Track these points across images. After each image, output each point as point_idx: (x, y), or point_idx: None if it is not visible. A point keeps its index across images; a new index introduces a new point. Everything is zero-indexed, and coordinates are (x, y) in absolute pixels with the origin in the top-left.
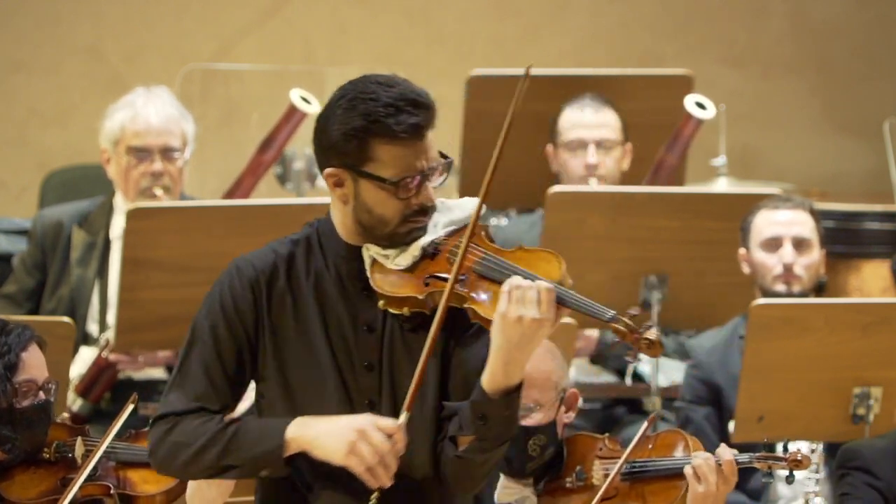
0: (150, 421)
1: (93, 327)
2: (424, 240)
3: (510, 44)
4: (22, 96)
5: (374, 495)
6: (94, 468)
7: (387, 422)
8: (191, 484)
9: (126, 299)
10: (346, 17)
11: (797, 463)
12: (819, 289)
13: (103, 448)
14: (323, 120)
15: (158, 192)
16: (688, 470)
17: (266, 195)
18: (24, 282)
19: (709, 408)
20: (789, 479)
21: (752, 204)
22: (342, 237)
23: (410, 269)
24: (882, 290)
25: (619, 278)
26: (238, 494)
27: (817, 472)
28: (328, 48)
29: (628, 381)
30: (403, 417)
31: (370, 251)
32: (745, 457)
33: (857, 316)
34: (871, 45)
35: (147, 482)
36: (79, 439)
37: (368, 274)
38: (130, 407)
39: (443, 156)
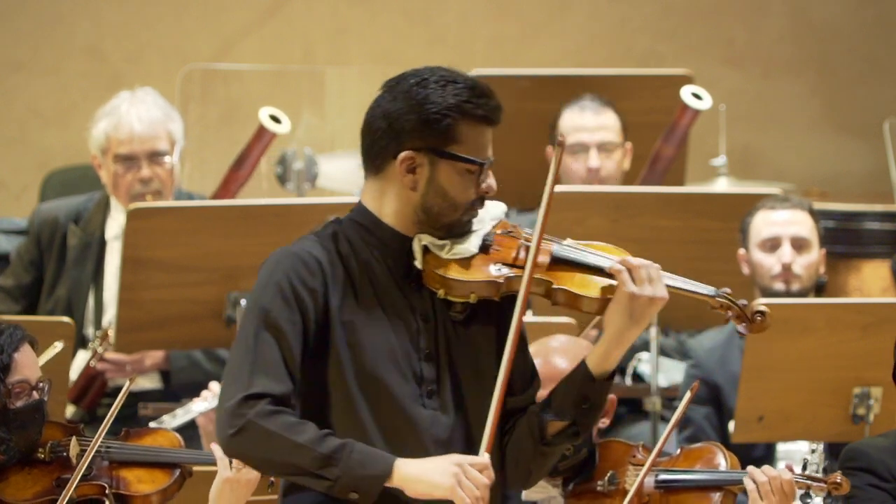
0: (235, 402)
1: (89, 330)
2: (483, 230)
3: (510, 44)
4: (22, 96)
5: None
6: (89, 468)
7: (474, 459)
8: (214, 485)
9: (126, 299)
10: (346, 17)
11: (837, 486)
12: (819, 289)
13: (97, 443)
14: (391, 107)
15: (150, 197)
16: (749, 484)
17: (266, 195)
18: (21, 277)
19: (709, 407)
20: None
21: (752, 204)
22: (393, 227)
23: (470, 259)
24: (882, 290)
25: None
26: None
27: (817, 472)
28: (328, 48)
29: (628, 381)
30: (486, 456)
31: (423, 241)
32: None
33: (857, 316)
34: (871, 45)
35: (142, 482)
36: (73, 439)
37: (419, 264)
38: (127, 387)
39: None
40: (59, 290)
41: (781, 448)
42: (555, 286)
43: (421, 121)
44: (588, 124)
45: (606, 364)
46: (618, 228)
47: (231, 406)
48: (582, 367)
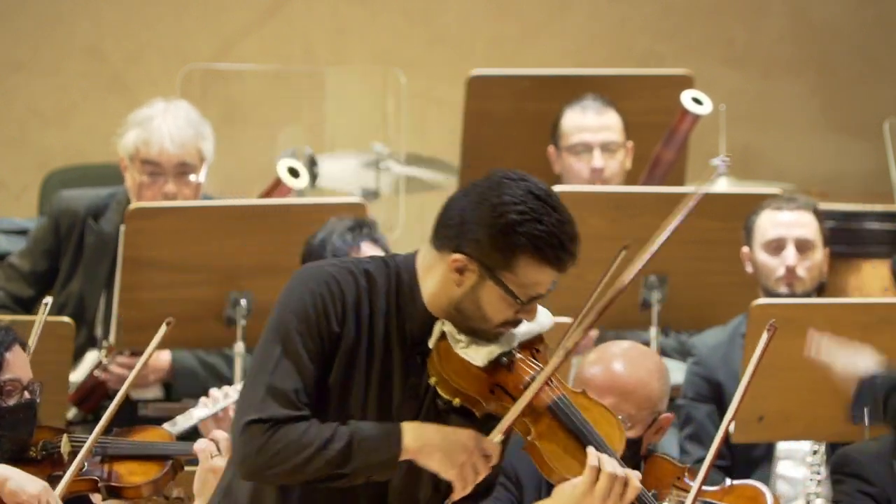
0: (242, 425)
1: (98, 330)
2: (503, 346)
3: (510, 44)
4: (22, 96)
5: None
6: (81, 465)
7: (487, 442)
8: (197, 477)
9: (126, 299)
10: (346, 17)
11: None
12: (819, 289)
13: (93, 441)
14: (470, 213)
15: None
16: None
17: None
18: (37, 264)
19: (710, 405)
20: None
21: (751, 204)
22: (424, 301)
23: (477, 367)
24: (882, 290)
25: None
26: None
27: (819, 472)
28: (328, 48)
29: None
30: (498, 438)
31: (445, 326)
32: None
33: (857, 316)
34: (871, 45)
35: (133, 474)
36: (64, 437)
37: (431, 344)
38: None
39: None
40: (72, 285)
41: (782, 447)
42: (531, 439)
43: (487, 240)
44: (591, 124)
45: None
46: (617, 228)
47: (242, 429)
48: None
